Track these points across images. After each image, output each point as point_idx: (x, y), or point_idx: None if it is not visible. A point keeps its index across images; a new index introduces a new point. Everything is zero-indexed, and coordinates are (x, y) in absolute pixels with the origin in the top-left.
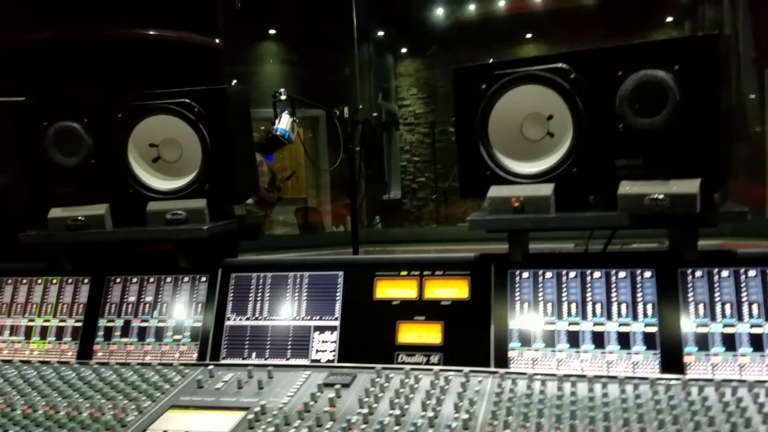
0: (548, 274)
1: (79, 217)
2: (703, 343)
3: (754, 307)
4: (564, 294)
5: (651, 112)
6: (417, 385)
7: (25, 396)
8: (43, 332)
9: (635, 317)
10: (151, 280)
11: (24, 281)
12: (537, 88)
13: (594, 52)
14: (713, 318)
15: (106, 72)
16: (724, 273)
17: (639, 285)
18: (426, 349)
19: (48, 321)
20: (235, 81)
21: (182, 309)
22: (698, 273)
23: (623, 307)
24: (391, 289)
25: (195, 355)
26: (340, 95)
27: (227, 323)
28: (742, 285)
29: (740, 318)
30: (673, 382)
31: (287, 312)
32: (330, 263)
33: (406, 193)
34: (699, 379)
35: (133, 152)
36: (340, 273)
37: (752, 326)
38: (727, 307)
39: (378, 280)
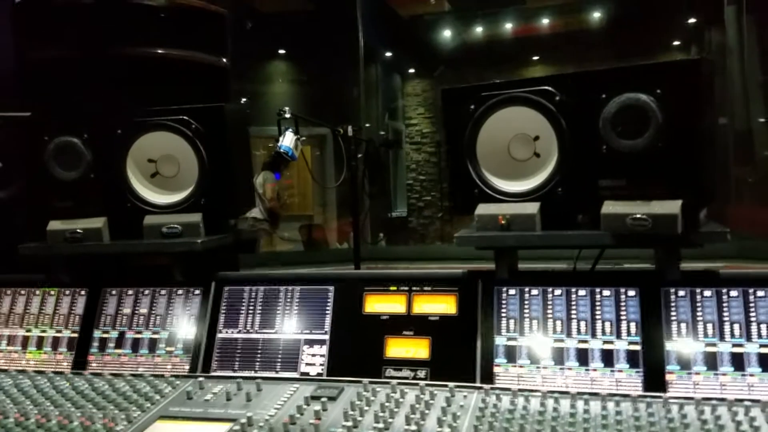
0: (534, 291)
1: (78, 230)
2: (685, 361)
3: (736, 326)
4: (549, 311)
5: (633, 135)
6: (402, 399)
7: (18, 404)
8: (40, 342)
9: (619, 335)
10: (146, 292)
11: (22, 292)
12: (523, 109)
13: (578, 75)
14: (695, 337)
15: (114, 90)
16: (707, 293)
17: (623, 303)
18: (413, 363)
19: (44, 331)
20: (244, 99)
21: (176, 321)
22: (681, 292)
23: (607, 325)
24: (380, 304)
25: (187, 367)
26: (348, 114)
27: (219, 336)
28: (724, 305)
29: (722, 337)
30: (654, 400)
31: (278, 325)
32: (321, 278)
33: (413, 211)
34: (680, 398)
35: (131, 167)
36: (331, 287)
37: (734, 345)
38: (709, 326)
39: (367, 294)
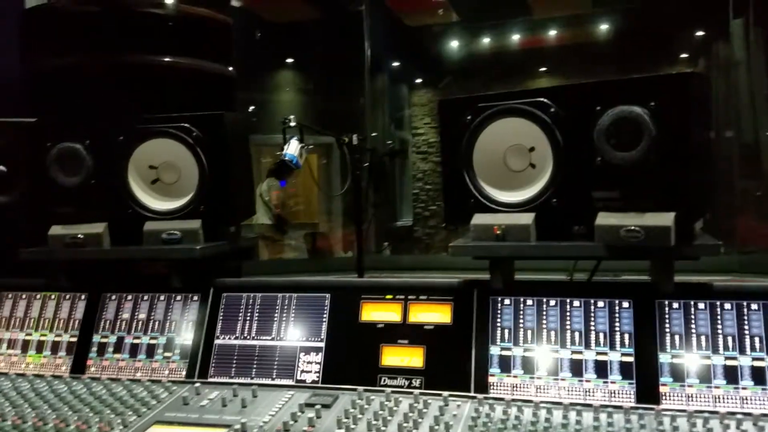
0: (529, 302)
1: (78, 235)
2: (678, 374)
3: (729, 339)
4: (544, 322)
5: (627, 147)
6: (396, 407)
7: (16, 408)
8: (40, 346)
9: (612, 347)
10: (145, 298)
11: (23, 296)
12: (519, 120)
13: (573, 88)
14: (689, 349)
15: (120, 97)
16: (701, 305)
17: (617, 315)
18: (408, 372)
19: (45, 335)
20: (252, 108)
21: (174, 327)
22: (675, 305)
23: (601, 336)
24: (376, 312)
25: (184, 373)
26: (354, 124)
27: (216, 342)
28: (718, 318)
29: (715, 350)
30: (646, 411)
31: (275, 332)
32: (318, 285)
33: (418, 220)
34: (673, 410)
35: (132, 173)
36: (328, 295)
37: (726, 359)
38: (703, 339)
39: (364, 303)
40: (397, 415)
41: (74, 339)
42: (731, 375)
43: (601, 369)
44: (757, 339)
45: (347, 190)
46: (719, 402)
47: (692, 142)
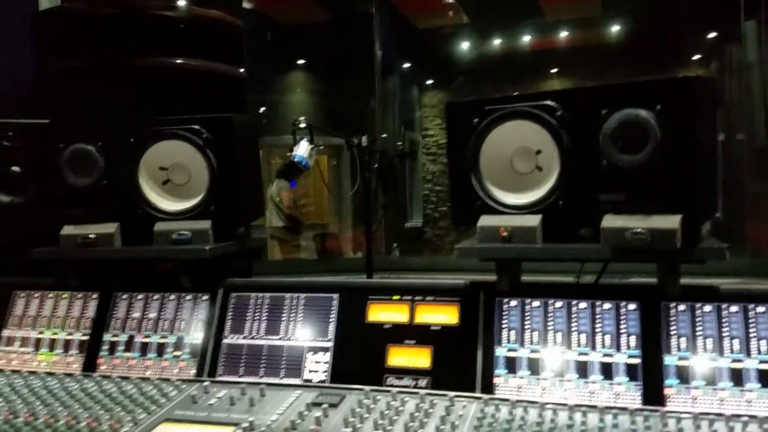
0: (535, 303)
1: (90, 235)
2: (684, 376)
3: (735, 342)
4: (550, 323)
5: (633, 150)
6: (403, 407)
7: (28, 405)
8: (51, 345)
9: (618, 348)
10: (156, 297)
11: (36, 295)
12: (526, 123)
13: (580, 91)
14: (695, 352)
15: (132, 99)
16: (707, 308)
17: (623, 317)
18: (415, 372)
19: (56, 334)
20: (263, 109)
21: (183, 326)
22: (681, 307)
23: (607, 338)
24: (383, 313)
25: (193, 371)
26: (365, 125)
27: (225, 341)
28: (724, 320)
29: (721, 353)
30: (652, 413)
31: (283, 332)
32: (325, 286)
33: (428, 222)
34: (678, 412)
35: (143, 175)
36: (335, 296)
37: (733, 361)
38: (709, 341)
39: (371, 303)
40: (403, 415)
41: (85, 338)
42: (737, 377)
43: (607, 371)
44: (763, 342)
45: (357, 191)
46: (725, 404)
47: (698, 145)
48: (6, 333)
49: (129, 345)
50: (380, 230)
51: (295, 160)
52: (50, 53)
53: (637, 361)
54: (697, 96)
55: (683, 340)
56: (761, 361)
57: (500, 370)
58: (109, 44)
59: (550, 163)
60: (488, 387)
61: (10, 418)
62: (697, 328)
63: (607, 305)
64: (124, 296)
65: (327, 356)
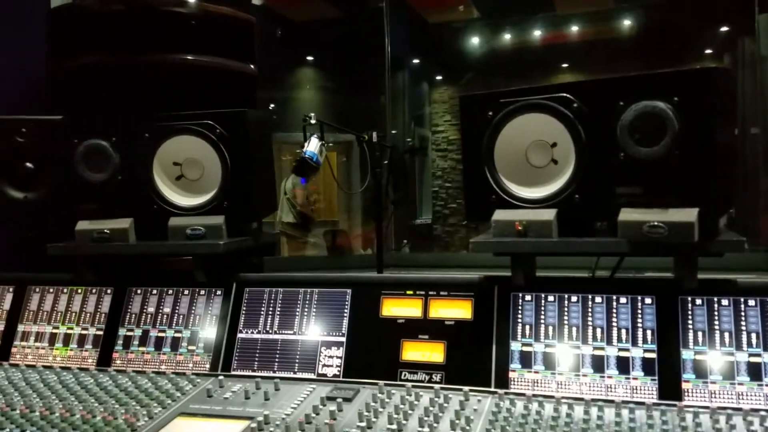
0: (550, 298)
1: (105, 230)
2: (701, 370)
3: (753, 336)
4: (565, 318)
5: (651, 142)
6: (417, 402)
7: (44, 399)
8: (67, 339)
9: (635, 343)
10: (170, 292)
11: (51, 290)
12: (541, 116)
13: (596, 83)
14: (712, 346)
15: (143, 95)
16: (724, 302)
17: (639, 311)
18: (429, 367)
19: (71, 329)
20: (272, 105)
21: (198, 321)
22: (698, 301)
23: (623, 332)
24: (396, 308)
25: (208, 366)
26: (375, 121)
27: (239, 336)
28: (742, 314)
29: (739, 347)
30: (669, 408)
31: (296, 327)
32: (339, 281)
33: (438, 218)
34: (695, 406)
35: (157, 170)
36: (349, 291)
37: (750, 355)
38: (726, 335)
39: (384, 298)
40: (417, 409)
41: (100, 332)
42: (755, 372)
43: (623, 365)
44: None
45: (367, 187)
46: (743, 399)
47: (716, 138)
48: (21, 328)
49: (144, 340)
50: (390, 227)
51: (306, 156)
52: (62, 50)
53: (654, 355)
54: (715, 87)
55: (700, 334)
56: None
57: (515, 365)
58: (120, 41)
59: (566, 156)
60: (503, 382)
61: (27, 413)
62: (715, 323)
63: (623, 299)
64: (139, 291)
65: (340, 351)
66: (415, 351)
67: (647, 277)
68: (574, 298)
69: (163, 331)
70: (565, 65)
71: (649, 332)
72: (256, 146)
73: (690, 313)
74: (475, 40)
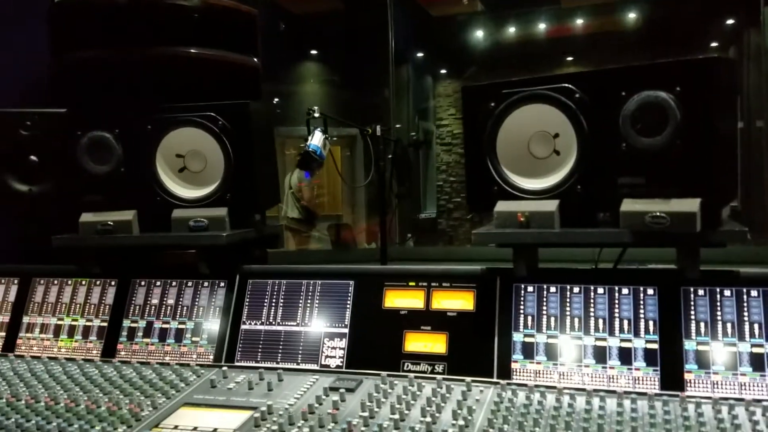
0: (552, 289)
1: (109, 222)
2: (703, 361)
3: (755, 326)
4: (567, 309)
5: (653, 132)
6: (419, 392)
7: (49, 390)
8: (71, 331)
9: (637, 333)
10: (174, 284)
11: (55, 282)
12: (543, 107)
13: (598, 73)
14: (714, 337)
15: (146, 88)
16: (727, 292)
17: (641, 302)
18: (431, 358)
19: (76, 320)
20: (276, 99)
21: (201, 312)
22: (700, 292)
23: (625, 323)
24: (399, 299)
25: (211, 357)
26: (379, 115)
27: (243, 327)
28: (744, 305)
29: (741, 337)
30: (671, 398)
31: (300, 318)
32: (342, 272)
33: (442, 212)
34: (697, 397)
35: (160, 162)
36: (351, 282)
37: (753, 346)
38: (729, 326)
39: (387, 290)
40: (420, 399)
41: (105, 324)
42: (757, 362)
43: (625, 356)
44: None
45: (371, 181)
46: (745, 389)
47: (718, 128)
48: (26, 320)
49: (148, 331)
50: (394, 221)
51: (310, 149)
52: (65, 43)
53: (656, 346)
54: (717, 77)
55: (702, 324)
56: None
57: (517, 356)
58: (123, 34)
59: (568, 146)
60: (505, 372)
61: (32, 403)
62: (717, 313)
63: (625, 290)
64: (143, 283)
65: (343, 342)
66: (417, 342)
67: (649, 268)
68: (576, 289)
69: (167, 322)
70: (569, 58)
71: (651, 323)
72: (258, 138)
73: (692, 303)
74: (479, 34)
